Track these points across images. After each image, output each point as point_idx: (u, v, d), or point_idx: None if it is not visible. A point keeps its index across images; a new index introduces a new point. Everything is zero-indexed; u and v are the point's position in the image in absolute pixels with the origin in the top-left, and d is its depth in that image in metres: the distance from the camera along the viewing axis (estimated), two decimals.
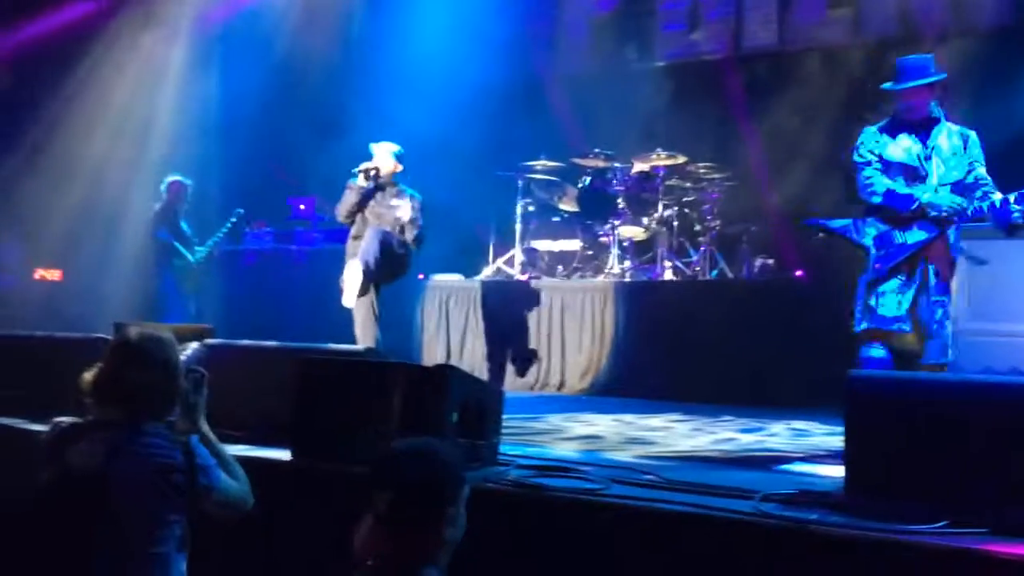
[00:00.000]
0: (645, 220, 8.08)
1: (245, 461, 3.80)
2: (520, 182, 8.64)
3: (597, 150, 8.38)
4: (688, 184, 8.27)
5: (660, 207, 8.03)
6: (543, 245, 8.41)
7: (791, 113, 8.20)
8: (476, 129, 8.65)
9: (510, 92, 9.37)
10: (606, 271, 8.07)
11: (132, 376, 2.70)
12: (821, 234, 4.71)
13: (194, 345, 2.97)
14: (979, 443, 2.88)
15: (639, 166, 8.19)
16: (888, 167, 4.52)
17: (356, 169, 6.50)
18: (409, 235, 6.51)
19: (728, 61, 8.91)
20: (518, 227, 8.52)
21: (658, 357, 7.30)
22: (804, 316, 6.94)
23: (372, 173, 6.45)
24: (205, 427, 2.89)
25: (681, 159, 8.12)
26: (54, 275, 10.19)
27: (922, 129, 4.54)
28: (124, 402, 2.69)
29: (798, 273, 7.61)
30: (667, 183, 8.13)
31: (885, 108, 4.86)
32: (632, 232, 8.12)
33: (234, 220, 8.94)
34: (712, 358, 6.96)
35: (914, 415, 3.02)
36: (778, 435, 5.20)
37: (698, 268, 8.00)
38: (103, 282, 9.43)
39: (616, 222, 8.06)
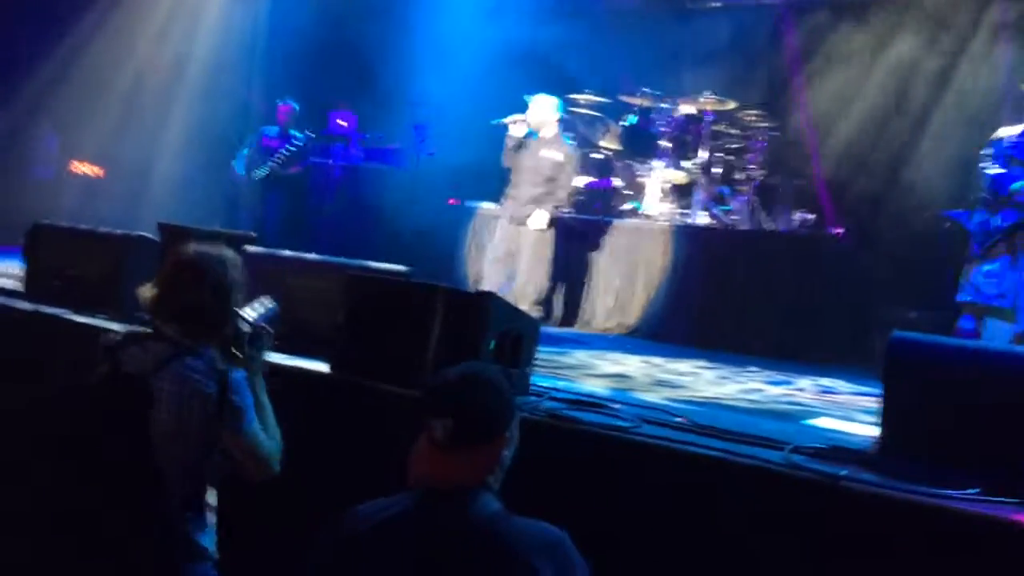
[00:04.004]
0: (686, 164, 7.98)
1: (283, 370, 3.89)
2: (563, 116, 8.53)
3: (645, 89, 8.25)
4: (735, 131, 8.14)
5: (704, 151, 7.92)
6: (581, 181, 8.34)
7: (845, 66, 8.02)
8: (520, 59, 8.52)
9: (558, 22, 9.20)
10: (643, 212, 8.02)
11: (184, 296, 2.70)
12: (948, 224, 4.93)
13: (269, 304, 2.90)
14: (1017, 413, 2.87)
15: (686, 108, 8.07)
16: None
17: (506, 119, 6.76)
18: (563, 192, 6.84)
19: (787, 7, 8.68)
20: None
21: (687, 303, 7.28)
22: (838, 274, 6.91)
23: (517, 123, 6.71)
24: (259, 379, 2.82)
25: (730, 104, 7.99)
26: (95, 170, 10.24)
27: None
28: (175, 320, 2.69)
29: (838, 231, 7.53)
30: (713, 128, 8.01)
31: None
32: (672, 175, 8.04)
33: (294, 148, 8.78)
34: (742, 308, 6.94)
35: (953, 380, 3.02)
36: (804, 390, 5.21)
37: (736, 217, 7.93)
38: (143, 183, 9.50)
39: (659, 164, 7.96)
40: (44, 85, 9.91)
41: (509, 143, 6.81)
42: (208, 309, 2.72)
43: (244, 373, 2.74)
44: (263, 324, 2.88)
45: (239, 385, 2.68)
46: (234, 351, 2.78)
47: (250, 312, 2.86)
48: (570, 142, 6.95)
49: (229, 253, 2.85)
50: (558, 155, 6.79)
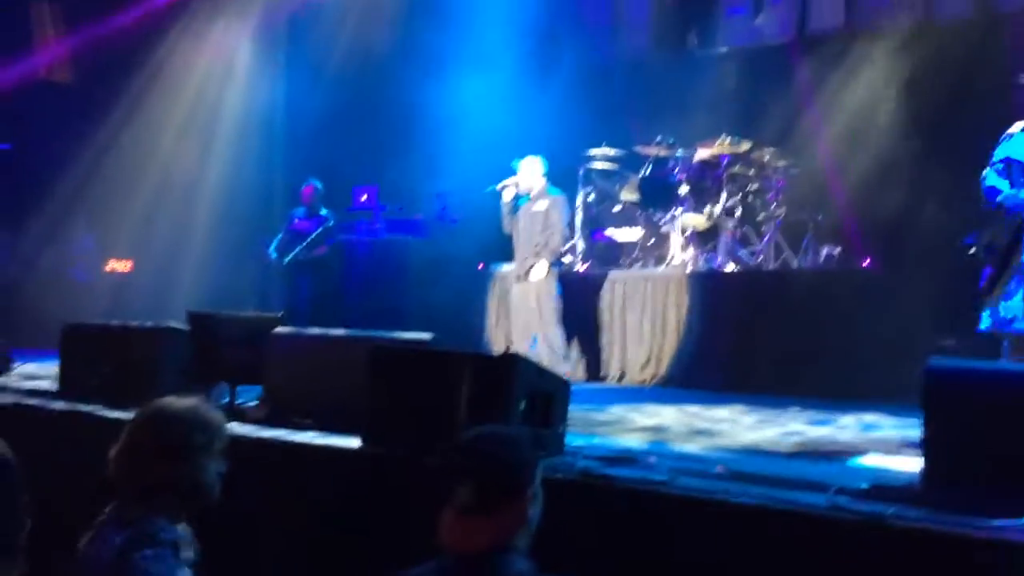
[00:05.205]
0: (707, 209, 7.98)
1: (315, 449, 3.89)
2: (581, 171, 8.61)
3: (659, 138, 8.29)
4: (752, 172, 8.13)
5: (723, 195, 7.92)
6: (604, 235, 8.37)
7: (858, 99, 8.01)
8: (536, 120, 8.64)
9: (572, 79, 9.33)
10: (668, 261, 8.00)
11: (139, 468, 2.34)
12: (972, 249, 4.75)
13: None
14: None
15: (702, 153, 8.09)
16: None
17: (497, 186, 7.15)
18: (555, 237, 7.04)
19: (793, 45, 8.73)
20: (580, 216, 8.49)
21: (721, 348, 7.21)
22: (871, 306, 6.79)
23: (509, 187, 7.10)
24: None
25: (745, 146, 7.99)
26: (125, 266, 10.46)
27: None
28: (135, 498, 2.34)
29: (865, 263, 7.45)
30: (730, 171, 8.01)
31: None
32: (694, 221, 8.03)
33: (321, 230, 8.89)
34: (776, 349, 6.84)
35: (994, 406, 2.94)
36: (848, 427, 5.09)
37: (762, 258, 7.88)
38: (172, 272, 9.67)
39: (678, 211, 7.98)
40: (78, 185, 10.21)
41: (504, 209, 7.21)
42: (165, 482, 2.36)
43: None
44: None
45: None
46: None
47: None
48: (553, 191, 7.18)
49: (201, 409, 2.50)
50: (544, 204, 7.08)
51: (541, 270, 7.04)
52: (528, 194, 7.16)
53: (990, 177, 4.53)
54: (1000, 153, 4.60)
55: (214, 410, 2.53)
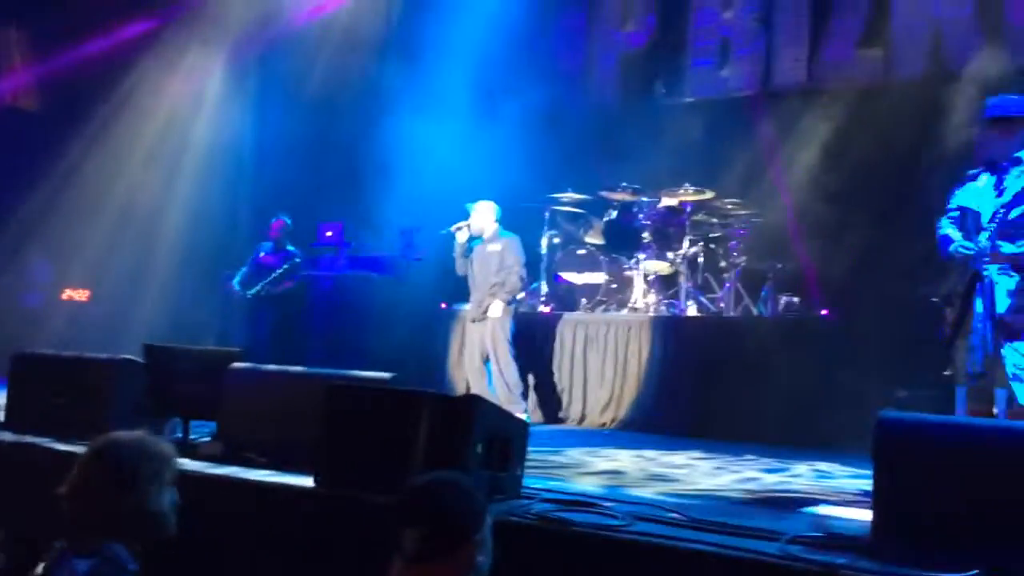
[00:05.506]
0: (670, 255, 8.07)
1: (268, 487, 3.84)
2: (547, 214, 8.67)
3: (624, 184, 8.39)
4: (715, 220, 8.25)
5: (686, 242, 8.02)
6: (568, 277, 8.41)
7: (819, 151, 8.18)
8: (504, 161, 8.70)
9: (539, 125, 9.42)
10: (630, 305, 8.05)
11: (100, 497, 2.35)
12: (935, 299, 4.67)
13: None
14: (1012, 489, 2.83)
15: (666, 201, 8.20)
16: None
17: (451, 228, 7.34)
18: (512, 277, 7.18)
19: (757, 98, 8.90)
20: (544, 259, 8.54)
21: (681, 393, 7.26)
22: (828, 356, 6.88)
23: (463, 230, 7.29)
24: None
25: (708, 194, 8.12)
26: (82, 295, 10.30)
27: (997, 170, 4.41)
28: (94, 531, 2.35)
29: (823, 312, 7.55)
30: (693, 218, 8.12)
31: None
32: (657, 267, 8.11)
33: (287, 266, 8.88)
34: (735, 396, 6.90)
35: (944, 459, 2.98)
36: (802, 476, 5.13)
37: (723, 304, 7.97)
38: (131, 304, 9.54)
39: (641, 256, 8.05)
40: (38, 212, 10.07)
41: (458, 251, 7.36)
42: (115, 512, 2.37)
43: None
44: None
45: None
46: None
47: None
48: (506, 233, 7.37)
49: (148, 440, 2.50)
50: (497, 246, 7.26)
51: (497, 308, 7.15)
52: (481, 236, 7.32)
53: (944, 226, 4.51)
54: (954, 201, 4.60)
55: (162, 441, 2.55)
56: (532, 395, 7.79)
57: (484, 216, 7.35)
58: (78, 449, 4.23)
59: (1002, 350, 4.30)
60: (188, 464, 4.05)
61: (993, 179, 4.38)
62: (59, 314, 10.02)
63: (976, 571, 2.66)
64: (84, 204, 10.10)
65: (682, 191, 8.09)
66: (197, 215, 10.09)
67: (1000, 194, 4.33)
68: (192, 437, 4.66)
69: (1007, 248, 4.28)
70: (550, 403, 7.82)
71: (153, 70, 10.40)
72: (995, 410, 4.36)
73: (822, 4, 8.59)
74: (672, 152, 8.68)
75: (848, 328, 7.11)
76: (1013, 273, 4.29)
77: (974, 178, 4.48)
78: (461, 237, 7.34)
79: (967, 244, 4.34)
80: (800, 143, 8.33)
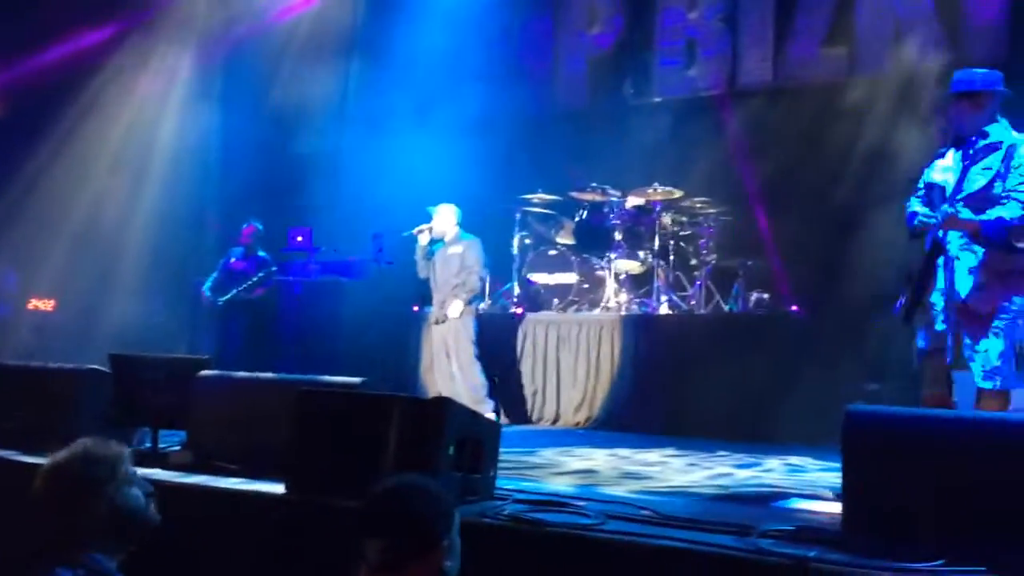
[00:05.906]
0: (641, 254, 8.10)
1: (238, 495, 3.80)
2: (517, 215, 8.67)
3: (594, 184, 8.41)
4: (684, 218, 8.30)
5: (656, 241, 8.05)
6: (539, 278, 8.42)
7: (786, 148, 8.25)
8: (474, 163, 8.70)
9: (508, 127, 9.43)
10: (602, 304, 8.07)
11: (64, 509, 2.38)
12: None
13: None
14: (977, 480, 2.86)
15: (635, 200, 8.23)
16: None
17: (414, 231, 7.41)
18: (472, 277, 7.29)
19: (724, 97, 8.97)
20: (515, 260, 8.54)
21: (653, 391, 7.29)
22: (799, 352, 6.94)
23: (424, 232, 7.39)
24: None
25: (677, 193, 8.16)
26: (47, 305, 10.16)
27: (964, 144, 4.36)
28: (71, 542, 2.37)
29: (793, 308, 7.62)
30: (663, 217, 8.15)
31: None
32: (628, 266, 8.14)
33: (263, 273, 8.82)
34: (707, 392, 6.93)
35: (912, 451, 3.01)
36: (774, 471, 5.17)
37: (694, 302, 8.01)
38: (98, 313, 9.42)
39: (612, 256, 8.08)
40: (1, 220, 9.91)
41: (419, 253, 7.46)
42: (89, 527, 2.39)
43: None
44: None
45: None
46: None
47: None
48: (467, 235, 7.47)
49: (89, 444, 2.51)
50: (459, 248, 7.38)
51: (456, 308, 7.24)
52: (443, 239, 7.41)
53: (912, 204, 4.51)
54: (922, 180, 4.59)
55: (108, 442, 2.54)
56: (505, 397, 7.79)
57: (446, 219, 7.43)
58: (44, 461, 4.19)
59: (967, 351, 4.24)
60: (158, 474, 4.01)
61: (959, 154, 4.38)
62: (25, 324, 9.88)
63: (942, 560, 2.69)
64: (49, 212, 9.96)
65: (651, 190, 8.12)
66: (163, 220, 10.00)
67: (966, 169, 4.34)
68: (161, 446, 4.60)
69: (966, 214, 4.25)
70: (523, 404, 7.82)
71: (119, 73, 10.29)
72: (954, 399, 4.32)
73: (786, 4, 8.67)
74: (641, 152, 8.72)
75: (818, 323, 7.18)
76: (976, 248, 4.26)
77: (942, 155, 4.49)
78: (423, 240, 7.44)
79: (928, 213, 4.33)
80: (767, 141, 8.41)
